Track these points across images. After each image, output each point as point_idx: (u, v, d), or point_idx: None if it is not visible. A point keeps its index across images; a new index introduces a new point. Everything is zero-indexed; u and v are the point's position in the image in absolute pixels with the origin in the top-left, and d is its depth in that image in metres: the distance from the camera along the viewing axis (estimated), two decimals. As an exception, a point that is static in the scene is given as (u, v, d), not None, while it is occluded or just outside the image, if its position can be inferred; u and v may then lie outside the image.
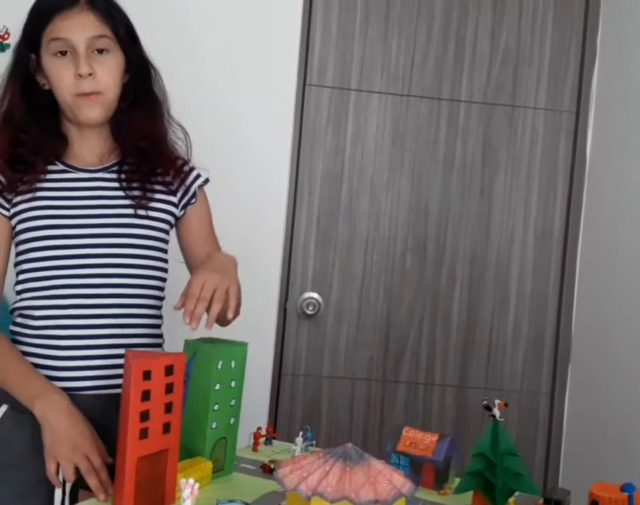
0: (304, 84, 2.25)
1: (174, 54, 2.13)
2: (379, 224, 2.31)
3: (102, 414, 1.30)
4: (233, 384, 1.25)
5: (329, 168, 2.29)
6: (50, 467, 1.21)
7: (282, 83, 2.21)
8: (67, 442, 1.20)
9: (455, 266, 2.33)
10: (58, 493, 1.25)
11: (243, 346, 1.27)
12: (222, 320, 1.23)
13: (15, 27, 1.36)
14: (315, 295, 2.28)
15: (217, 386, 1.21)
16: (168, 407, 1.10)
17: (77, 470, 1.20)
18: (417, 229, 2.32)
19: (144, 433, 1.06)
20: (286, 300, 2.27)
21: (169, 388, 1.09)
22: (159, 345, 1.42)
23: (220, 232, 2.15)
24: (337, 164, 2.29)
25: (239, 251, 2.17)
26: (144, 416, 1.06)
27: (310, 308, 2.27)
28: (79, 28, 1.28)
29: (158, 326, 1.42)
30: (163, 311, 1.43)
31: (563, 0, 2.32)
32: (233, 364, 1.24)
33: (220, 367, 1.21)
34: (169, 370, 1.09)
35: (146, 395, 1.06)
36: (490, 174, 2.34)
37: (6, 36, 2.12)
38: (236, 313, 1.25)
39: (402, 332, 2.32)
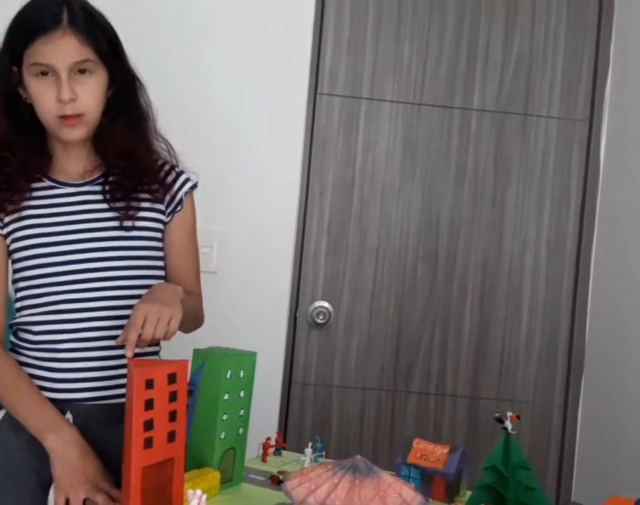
0: (315, 93, 2.25)
1: (184, 64, 2.14)
2: (390, 233, 2.30)
3: (100, 424, 1.31)
4: (242, 393, 1.24)
5: (340, 177, 2.28)
6: (60, 500, 1.22)
7: (293, 92, 2.21)
8: (78, 475, 1.23)
9: (466, 276, 2.31)
10: (52, 499, 1.26)
11: (252, 355, 1.26)
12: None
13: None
14: (325, 304, 2.27)
15: (226, 396, 1.20)
16: (172, 416, 1.09)
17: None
18: (429, 239, 2.31)
19: (148, 443, 1.05)
20: (296, 309, 2.26)
21: (172, 397, 1.08)
22: (156, 353, 1.42)
23: (231, 241, 2.17)
24: (348, 173, 2.29)
25: (250, 259, 2.19)
26: (148, 425, 1.05)
27: (320, 317, 2.26)
28: (61, 53, 1.25)
29: None
30: None
31: (576, 7, 2.31)
32: (242, 373, 1.23)
33: (228, 376, 1.20)
34: (172, 378, 1.08)
35: (149, 404, 1.05)
36: (503, 183, 2.32)
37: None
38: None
39: (413, 341, 2.30)
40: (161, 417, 1.07)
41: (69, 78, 1.27)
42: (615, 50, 2.28)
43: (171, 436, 1.09)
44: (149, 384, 1.05)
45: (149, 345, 1.22)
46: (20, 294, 1.35)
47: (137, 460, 1.04)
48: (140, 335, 1.17)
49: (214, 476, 1.18)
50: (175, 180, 1.42)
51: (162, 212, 1.41)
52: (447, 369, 2.31)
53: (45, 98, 1.28)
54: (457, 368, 2.31)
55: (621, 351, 2.09)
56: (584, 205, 2.31)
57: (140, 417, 1.04)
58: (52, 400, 1.31)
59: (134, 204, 1.36)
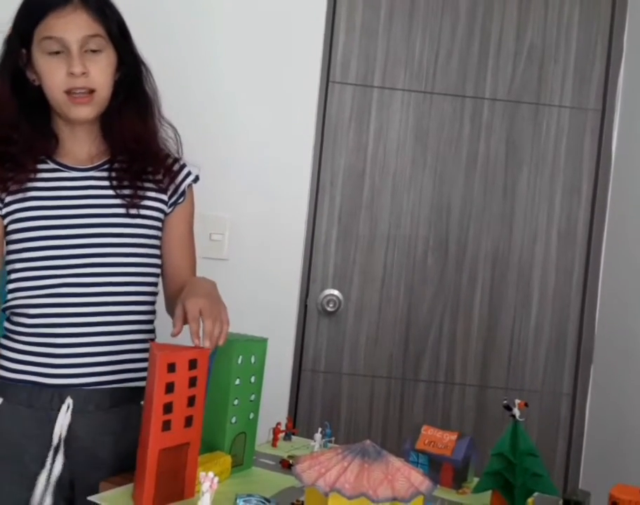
0: (328, 81, 2.25)
1: (195, 52, 2.14)
2: (400, 221, 2.30)
3: (100, 407, 1.32)
4: (253, 379, 1.26)
5: (351, 165, 2.29)
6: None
7: (305, 80, 2.21)
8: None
9: (476, 264, 2.31)
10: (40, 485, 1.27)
11: (263, 341, 1.27)
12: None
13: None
14: (335, 292, 2.28)
15: (237, 381, 1.22)
16: (191, 401, 1.10)
17: None
18: (439, 227, 2.31)
19: (166, 425, 1.07)
20: (307, 297, 2.28)
21: (192, 382, 1.10)
22: (152, 340, 1.42)
23: (242, 228, 2.18)
24: (359, 161, 2.29)
25: (261, 247, 2.20)
26: (168, 408, 1.07)
27: (330, 305, 2.27)
28: (73, 27, 1.27)
29: (151, 321, 1.42)
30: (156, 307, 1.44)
31: (590, -3, 2.30)
32: (253, 359, 1.25)
33: (240, 362, 1.22)
34: (193, 364, 1.10)
35: (170, 388, 1.07)
36: (514, 172, 2.32)
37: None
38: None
39: (422, 330, 2.31)
40: (180, 401, 1.08)
41: (80, 54, 1.28)
42: (628, 39, 2.27)
43: (188, 421, 1.10)
44: (171, 368, 1.06)
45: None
46: (14, 276, 1.34)
47: (154, 442, 1.06)
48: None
49: (225, 460, 1.20)
50: (179, 171, 1.43)
51: (164, 203, 1.41)
52: (456, 358, 2.32)
53: (55, 74, 1.29)
54: (466, 357, 2.32)
55: (630, 341, 2.09)
56: (596, 194, 2.31)
57: (160, 400, 1.06)
58: (51, 386, 1.30)
59: (140, 192, 1.36)
